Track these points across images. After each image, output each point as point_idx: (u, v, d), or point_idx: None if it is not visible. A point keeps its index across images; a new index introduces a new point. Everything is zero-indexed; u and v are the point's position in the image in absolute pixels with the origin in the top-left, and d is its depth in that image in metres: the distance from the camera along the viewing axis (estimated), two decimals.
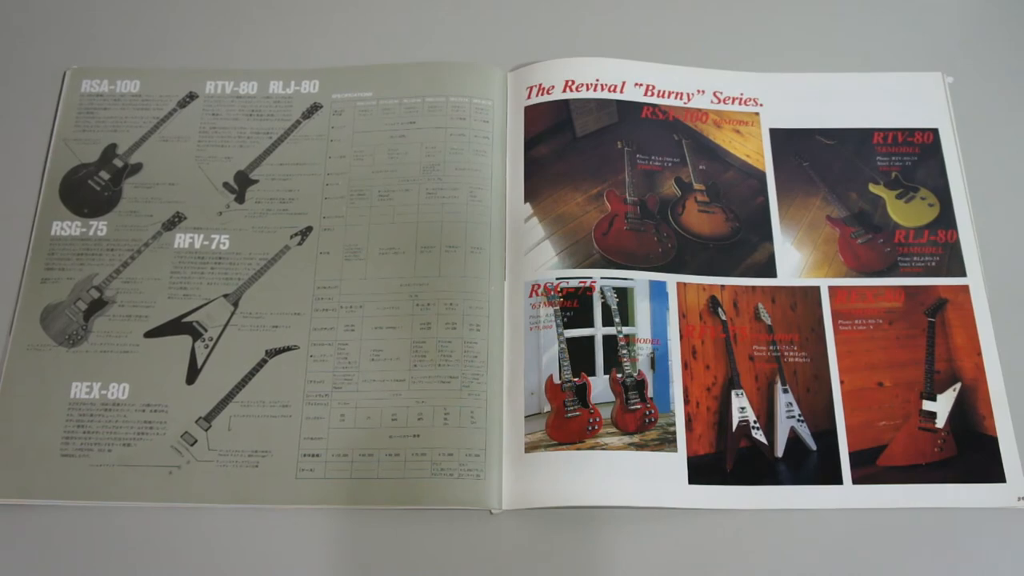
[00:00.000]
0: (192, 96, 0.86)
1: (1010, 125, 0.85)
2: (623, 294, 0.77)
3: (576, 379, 0.74)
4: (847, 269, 0.79)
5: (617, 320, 0.76)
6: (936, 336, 0.76)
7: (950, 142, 0.84)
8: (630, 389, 0.74)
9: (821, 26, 0.91)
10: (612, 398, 0.74)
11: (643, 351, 0.75)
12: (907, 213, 0.81)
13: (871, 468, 0.72)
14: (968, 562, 0.70)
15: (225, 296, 0.78)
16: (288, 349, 0.76)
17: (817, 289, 0.78)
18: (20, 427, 0.74)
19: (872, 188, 0.82)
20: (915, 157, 0.83)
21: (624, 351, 0.75)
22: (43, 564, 0.70)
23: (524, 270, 0.78)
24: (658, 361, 0.75)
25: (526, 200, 0.81)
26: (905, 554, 0.70)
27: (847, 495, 0.71)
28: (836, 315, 0.77)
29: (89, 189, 0.82)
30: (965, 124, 0.84)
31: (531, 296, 0.77)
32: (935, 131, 0.84)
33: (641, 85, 0.86)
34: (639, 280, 0.77)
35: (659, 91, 0.86)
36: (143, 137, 0.84)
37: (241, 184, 0.82)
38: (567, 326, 0.76)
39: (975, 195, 0.82)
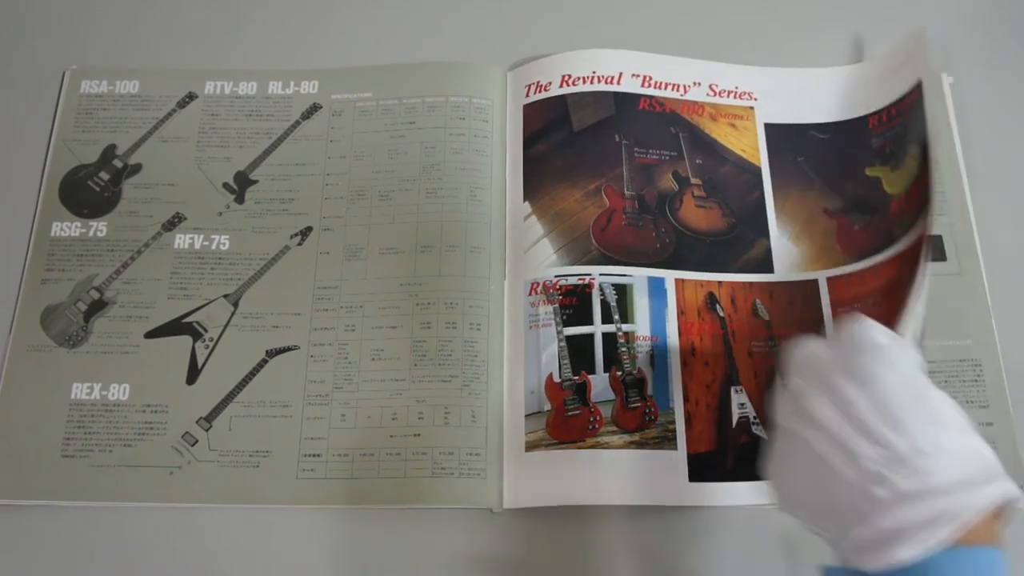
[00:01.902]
0: (191, 96, 0.83)
1: (1010, 123, 0.83)
2: (622, 291, 0.74)
3: (576, 377, 0.72)
4: (844, 256, 0.76)
5: (616, 317, 0.74)
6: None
7: (935, 92, 0.79)
8: (630, 387, 0.72)
9: (818, 22, 0.88)
10: (612, 396, 0.71)
11: (642, 348, 0.73)
12: (899, 178, 0.77)
13: None
14: None
15: (225, 296, 0.76)
16: (288, 349, 0.74)
17: (815, 282, 0.76)
18: (20, 428, 0.71)
19: (868, 172, 0.79)
20: (905, 123, 0.79)
21: (624, 348, 0.73)
22: (43, 564, 0.68)
23: (524, 268, 0.76)
24: (657, 358, 0.73)
25: (525, 198, 0.79)
26: None
27: None
28: (835, 304, 0.75)
29: (89, 190, 0.79)
30: (965, 123, 0.81)
31: (530, 294, 0.75)
32: (918, 85, 0.78)
33: (638, 76, 0.83)
34: (637, 276, 0.75)
35: (656, 82, 0.83)
36: (142, 138, 0.81)
37: (241, 184, 0.80)
38: (566, 324, 0.73)
39: (975, 188, 0.79)
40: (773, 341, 0.74)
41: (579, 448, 0.69)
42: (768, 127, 0.82)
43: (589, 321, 0.73)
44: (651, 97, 0.83)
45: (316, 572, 0.67)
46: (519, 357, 0.73)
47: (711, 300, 0.75)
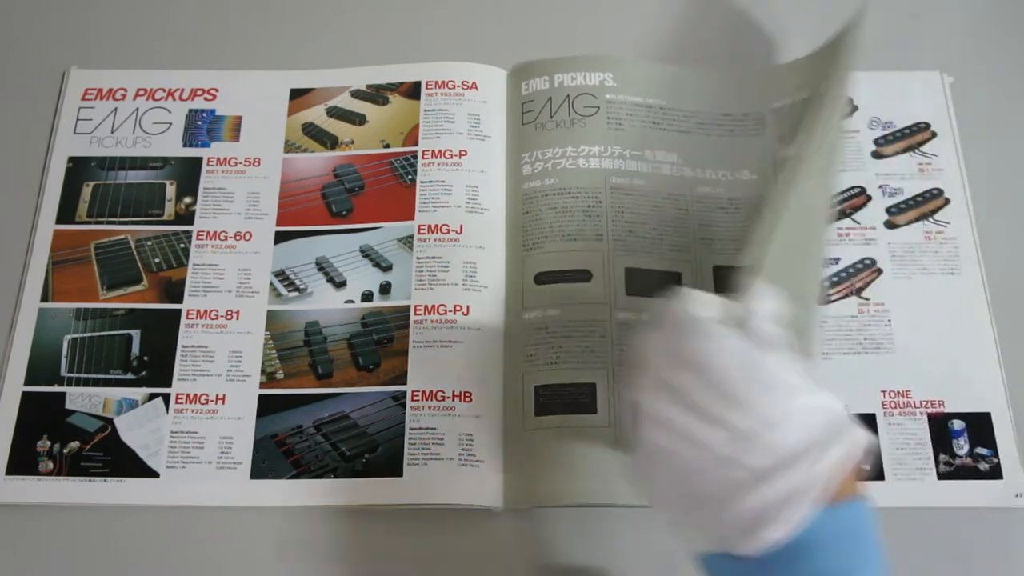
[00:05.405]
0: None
1: (1010, 123, 0.80)
2: None
3: None
4: None
5: None
6: None
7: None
8: None
9: (816, 20, 0.84)
10: None
11: None
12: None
13: None
14: (961, 565, 0.65)
15: None
16: None
17: None
18: None
19: None
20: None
21: None
22: (42, 564, 0.66)
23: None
24: None
25: None
26: (900, 556, 0.65)
27: None
28: None
29: None
30: (965, 123, 0.78)
31: None
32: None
33: None
34: None
35: None
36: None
37: None
38: None
39: (974, 188, 0.76)
40: None
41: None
42: None
43: None
44: None
45: (315, 572, 0.65)
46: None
47: None
